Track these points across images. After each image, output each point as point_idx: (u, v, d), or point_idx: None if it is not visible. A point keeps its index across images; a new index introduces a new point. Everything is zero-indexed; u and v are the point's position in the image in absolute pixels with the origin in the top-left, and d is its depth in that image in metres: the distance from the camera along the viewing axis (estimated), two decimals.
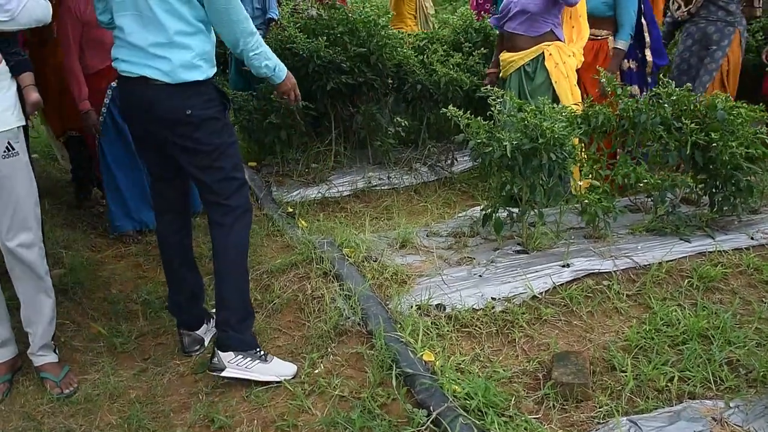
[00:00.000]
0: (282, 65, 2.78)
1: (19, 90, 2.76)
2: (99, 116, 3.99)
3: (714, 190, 3.71)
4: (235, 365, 2.72)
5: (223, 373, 2.72)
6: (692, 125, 3.52)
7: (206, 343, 3.06)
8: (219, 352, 2.73)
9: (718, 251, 3.46)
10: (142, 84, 2.58)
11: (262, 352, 2.79)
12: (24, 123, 2.73)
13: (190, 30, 2.56)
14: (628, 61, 4.78)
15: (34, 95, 2.80)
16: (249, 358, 2.73)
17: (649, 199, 3.90)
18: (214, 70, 2.69)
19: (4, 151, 2.57)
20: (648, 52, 4.83)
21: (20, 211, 2.63)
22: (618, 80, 4.36)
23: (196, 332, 3.06)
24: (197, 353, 3.02)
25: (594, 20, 4.59)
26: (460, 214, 4.30)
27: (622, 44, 4.58)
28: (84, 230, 4.41)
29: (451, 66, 5.11)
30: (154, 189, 2.97)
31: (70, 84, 3.91)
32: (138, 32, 2.57)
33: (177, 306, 3.03)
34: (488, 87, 3.62)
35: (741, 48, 5.00)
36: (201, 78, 2.60)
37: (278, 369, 2.78)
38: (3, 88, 2.63)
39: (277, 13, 5.69)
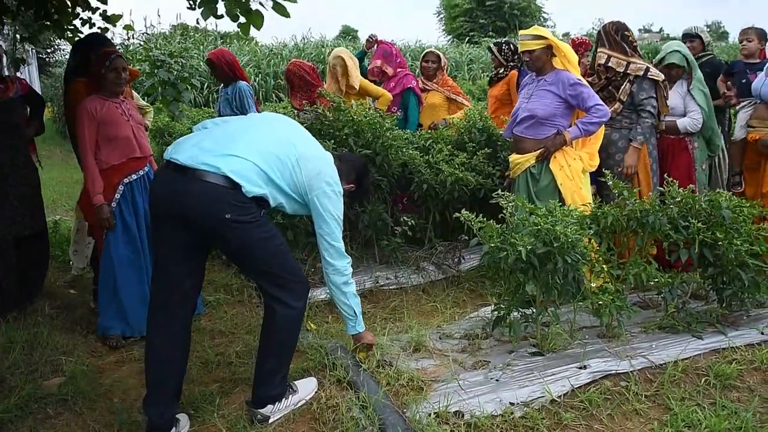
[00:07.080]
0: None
1: None
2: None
3: (722, 286, 3.74)
4: (277, 410, 3.08)
5: (271, 420, 3.06)
6: (698, 224, 3.59)
7: None
8: (259, 410, 3.06)
9: (731, 347, 3.48)
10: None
11: (290, 387, 3.17)
12: None
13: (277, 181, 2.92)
14: None
15: None
16: (284, 399, 3.10)
17: (659, 296, 3.93)
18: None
19: None
20: None
21: None
22: None
23: None
24: None
25: None
26: (471, 315, 4.31)
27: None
28: (84, 334, 4.28)
29: (456, 165, 5.17)
30: (160, 280, 2.99)
31: (85, 178, 4.04)
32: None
33: (155, 407, 2.96)
34: (500, 192, 3.68)
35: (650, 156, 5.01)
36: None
37: (306, 389, 3.22)
38: None
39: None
